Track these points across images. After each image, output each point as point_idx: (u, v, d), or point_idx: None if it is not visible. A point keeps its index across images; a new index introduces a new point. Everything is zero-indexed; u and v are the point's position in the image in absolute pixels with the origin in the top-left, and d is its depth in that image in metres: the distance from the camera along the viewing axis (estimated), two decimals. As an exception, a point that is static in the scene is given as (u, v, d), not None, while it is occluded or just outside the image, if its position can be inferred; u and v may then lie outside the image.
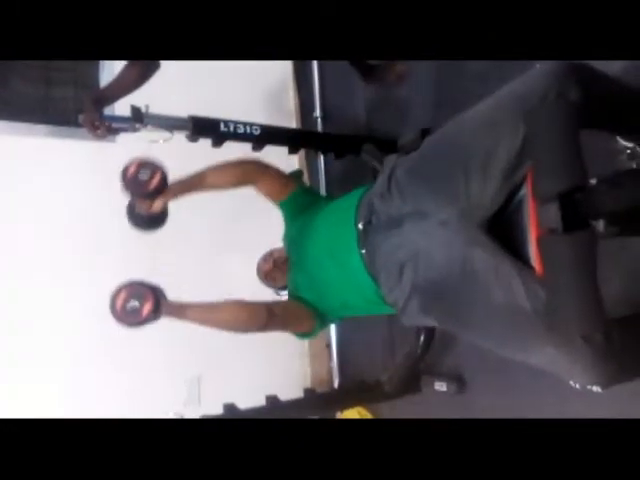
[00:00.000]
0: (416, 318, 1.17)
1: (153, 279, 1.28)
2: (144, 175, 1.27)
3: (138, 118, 1.60)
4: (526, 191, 1.06)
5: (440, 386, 1.79)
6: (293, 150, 1.89)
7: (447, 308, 1.10)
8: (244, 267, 1.83)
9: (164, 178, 1.30)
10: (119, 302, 1.19)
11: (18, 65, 2.46)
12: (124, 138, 2.29)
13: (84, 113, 1.55)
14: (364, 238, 1.23)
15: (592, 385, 0.92)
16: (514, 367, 1.60)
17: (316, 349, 2.58)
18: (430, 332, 1.72)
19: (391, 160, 1.24)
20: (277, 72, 2.74)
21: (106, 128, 1.58)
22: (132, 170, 1.28)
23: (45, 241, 2.10)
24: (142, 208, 1.37)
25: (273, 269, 1.67)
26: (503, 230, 1.08)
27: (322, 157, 2.26)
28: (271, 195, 1.59)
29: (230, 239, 2.44)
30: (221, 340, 2.09)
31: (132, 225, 1.40)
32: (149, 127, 1.66)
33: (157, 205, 1.36)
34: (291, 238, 1.59)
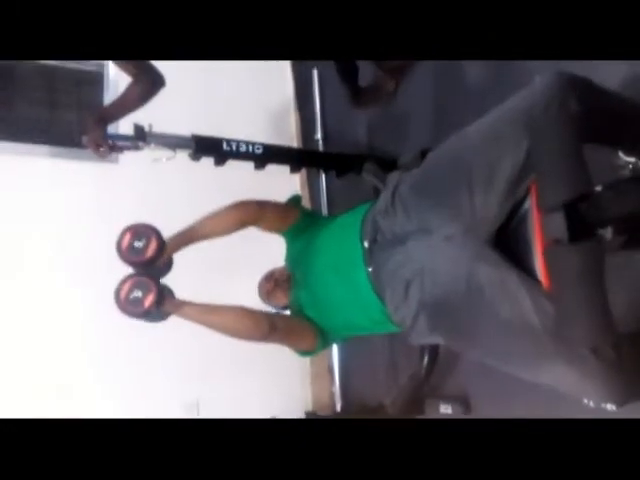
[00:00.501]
0: (424, 336, 1.14)
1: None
2: (139, 243, 1.23)
3: (141, 137, 1.61)
4: (530, 204, 1.06)
5: (445, 408, 1.75)
6: (295, 169, 1.90)
7: (454, 325, 1.07)
8: (245, 288, 1.82)
9: (160, 241, 1.25)
10: (123, 291, 1.19)
11: (23, 88, 2.51)
12: (127, 157, 2.36)
13: (87, 131, 1.56)
14: (370, 256, 1.22)
15: (606, 403, 0.90)
16: (522, 387, 1.59)
17: (317, 372, 2.54)
18: (434, 352, 1.69)
19: (394, 177, 1.24)
20: (278, 94, 2.79)
21: (109, 147, 1.58)
22: (126, 242, 1.22)
23: (47, 260, 2.09)
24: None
25: (275, 288, 1.65)
26: (508, 244, 1.07)
27: (324, 176, 2.27)
28: (274, 230, 1.57)
29: (231, 259, 2.43)
30: (221, 362, 2.09)
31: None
32: (152, 146, 1.66)
33: (160, 264, 1.32)
34: (294, 256, 1.58)
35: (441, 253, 1.07)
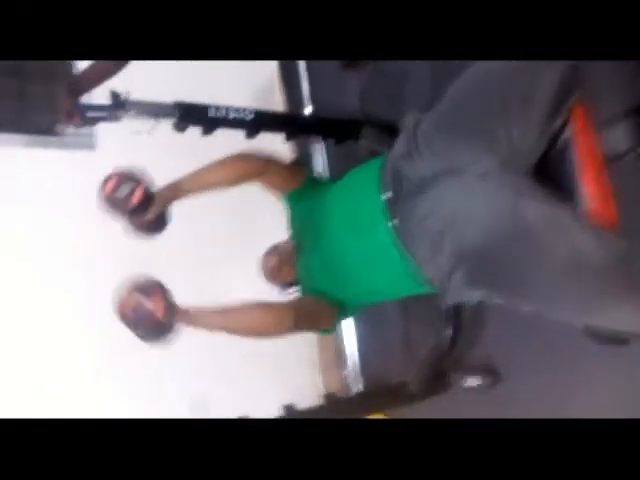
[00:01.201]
0: (461, 293, 1.01)
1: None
2: (124, 191, 1.12)
3: (119, 104, 1.44)
4: (571, 132, 0.93)
5: (472, 381, 1.61)
6: (290, 137, 1.75)
7: (499, 273, 0.94)
8: (243, 274, 1.69)
9: (146, 191, 1.14)
10: (107, 188, 1.12)
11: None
12: (105, 142, 2.20)
13: (59, 102, 1.40)
14: (393, 208, 1.07)
15: None
16: (557, 348, 1.47)
17: (326, 359, 2.40)
18: (458, 320, 1.55)
19: (412, 118, 1.09)
20: (261, 70, 2.62)
21: (82, 118, 1.43)
22: (109, 188, 1.12)
23: (28, 251, 1.95)
24: (134, 222, 1.21)
25: (280, 263, 1.50)
26: (546, 178, 0.94)
27: (323, 145, 2.11)
28: (279, 187, 1.42)
29: (229, 245, 2.29)
30: (228, 355, 1.96)
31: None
32: (131, 116, 1.50)
33: (149, 216, 1.19)
34: (300, 220, 1.42)
35: (477, 193, 0.93)
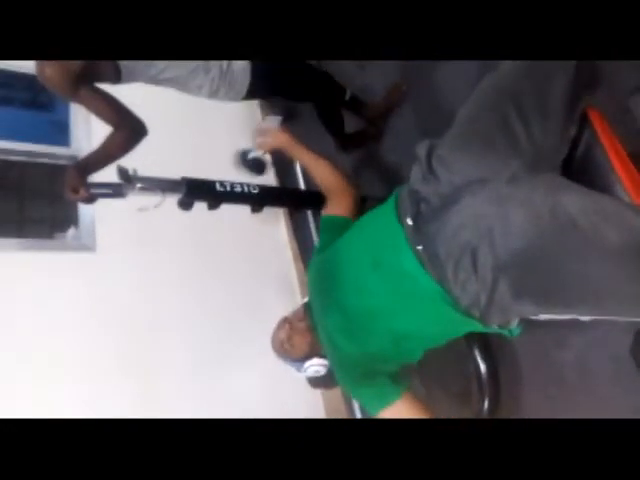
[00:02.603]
0: (509, 309, 0.91)
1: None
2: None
3: (126, 179, 1.44)
4: (592, 133, 0.93)
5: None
6: (296, 210, 1.74)
7: (546, 276, 0.86)
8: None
9: None
10: None
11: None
12: (105, 243, 2.18)
13: (66, 179, 1.41)
14: (416, 232, 1.01)
15: None
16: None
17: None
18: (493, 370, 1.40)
19: (423, 146, 1.09)
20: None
21: (88, 194, 1.42)
22: None
23: (26, 351, 1.85)
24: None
25: (291, 333, 1.37)
26: (578, 171, 0.92)
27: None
28: (351, 211, 1.39)
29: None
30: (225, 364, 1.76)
31: None
32: (137, 192, 1.49)
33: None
34: (314, 275, 1.33)
35: (509, 199, 0.89)
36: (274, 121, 1.56)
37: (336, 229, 1.32)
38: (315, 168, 1.46)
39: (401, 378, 1.12)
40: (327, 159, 1.46)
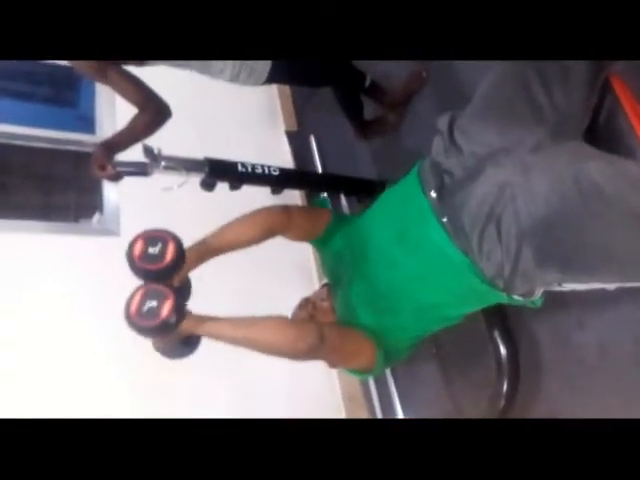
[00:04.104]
0: (533, 277, 0.92)
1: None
2: (154, 249, 1.00)
3: (152, 157, 1.48)
4: (615, 101, 0.93)
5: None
6: (314, 193, 1.76)
7: (570, 244, 0.86)
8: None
9: (179, 247, 1.02)
10: (134, 304, 0.95)
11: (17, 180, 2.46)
12: (128, 227, 2.22)
13: (93, 156, 1.45)
14: (441, 204, 1.02)
15: None
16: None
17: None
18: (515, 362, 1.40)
19: (444, 118, 1.10)
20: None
21: (114, 171, 1.46)
22: (138, 249, 1.00)
23: (50, 340, 1.88)
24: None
25: (314, 313, 1.38)
26: (600, 138, 0.91)
27: (345, 201, 2.11)
28: (305, 238, 1.37)
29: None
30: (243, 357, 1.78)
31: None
32: (162, 170, 1.53)
33: (176, 281, 1.08)
34: (335, 256, 1.34)
35: (533, 167, 0.90)
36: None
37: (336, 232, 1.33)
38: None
39: (391, 356, 1.16)
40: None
